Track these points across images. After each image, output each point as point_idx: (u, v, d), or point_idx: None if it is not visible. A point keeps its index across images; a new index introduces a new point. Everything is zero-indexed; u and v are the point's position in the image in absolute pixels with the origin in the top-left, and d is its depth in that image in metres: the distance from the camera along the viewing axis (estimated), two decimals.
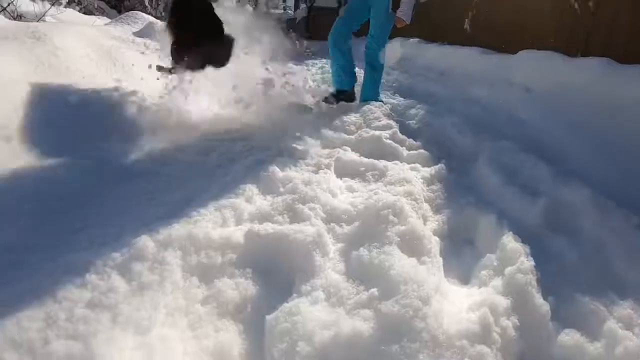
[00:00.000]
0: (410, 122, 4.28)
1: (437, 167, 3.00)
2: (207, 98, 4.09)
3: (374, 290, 1.62)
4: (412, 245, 1.93)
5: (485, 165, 3.06)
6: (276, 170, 2.55)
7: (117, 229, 1.98)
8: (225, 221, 2.07)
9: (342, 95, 4.80)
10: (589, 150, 3.57)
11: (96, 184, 2.48)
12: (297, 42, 5.19)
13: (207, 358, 1.46)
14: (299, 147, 3.15)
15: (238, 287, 1.72)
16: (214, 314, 1.62)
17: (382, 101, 4.86)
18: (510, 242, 1.99)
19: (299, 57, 11.14)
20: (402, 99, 5.48)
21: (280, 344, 1.43)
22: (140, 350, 1.37)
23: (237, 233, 1.93)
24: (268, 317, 1.54)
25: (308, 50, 8.09)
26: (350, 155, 3.12)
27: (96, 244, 1.84)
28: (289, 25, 23.97)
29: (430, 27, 10.38)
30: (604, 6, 4.83)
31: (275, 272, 1.84)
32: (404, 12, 4.48)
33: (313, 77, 7.81)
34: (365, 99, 4.72)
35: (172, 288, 1.61)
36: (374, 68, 4.77)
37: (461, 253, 2.27)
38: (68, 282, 1.48)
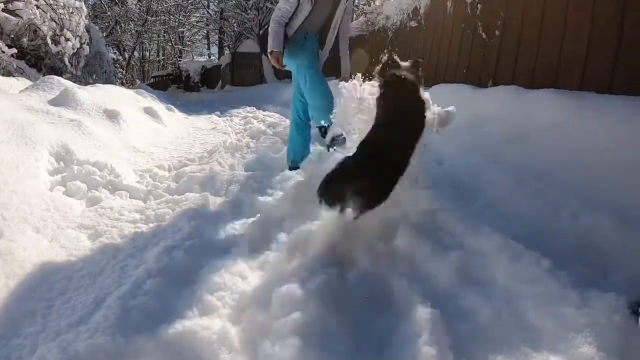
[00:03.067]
0: None
1: None
2: None
3: None
4: None
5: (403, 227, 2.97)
6: None
7: None
8: None
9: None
10: (504, 181, 3.62)
11: None
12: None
13: None
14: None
15: None
16: None
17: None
18: (419, 313, 1.97)
19: (223, 107, 11.07)
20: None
21: None
22: None
23: None
24: None
25: None
26: None
27: None
28: (214, 72, 24.22)
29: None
30: (508, 34, 5.07)
31: None
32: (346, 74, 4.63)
33: (235, 130, 7.70)
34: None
35: None
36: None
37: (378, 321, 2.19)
38: None
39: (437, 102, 5.43)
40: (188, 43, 37.33)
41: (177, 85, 26.56)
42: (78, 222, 3.19)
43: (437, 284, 2.32)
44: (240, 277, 2.42)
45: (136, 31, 32.33)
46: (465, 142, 4.47)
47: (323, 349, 1.81)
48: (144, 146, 5.62)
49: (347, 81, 4.35)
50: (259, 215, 3.29)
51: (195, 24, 32.78)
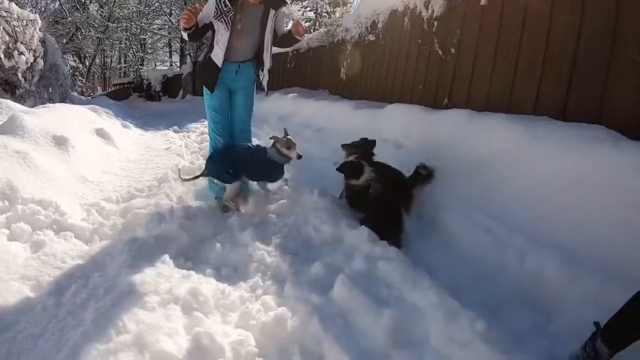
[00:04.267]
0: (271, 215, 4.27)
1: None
2: None
3: None
4: None
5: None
6: None
7: None
8: None
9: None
10: (453, 216, 3.66)
11: None
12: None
13: None
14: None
15: None
16: None
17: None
18: None
19: (182, 120, 10.92)
20: None
21: None
22: None
23: None
24: None
25: None
26: None
27: None
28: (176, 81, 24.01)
29: (309, 79, 10.74)
30: (465, 53, 5.13)
31: None
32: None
33: (190, 149, 7.64)
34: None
35: None
36: (248, 140, 4.81)
37: None
38: None
39: (390, 124, 5.54)
40: (150, 50, 36.98)
41: (138, 94, 26.22)
42: (21, 272, 3.10)
43: (370, 344, 2.31)
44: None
45: (97, 38, 31.74)
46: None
47: None
48: (93, 175, 5.51)
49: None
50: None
51: (156, 31, 32.38)
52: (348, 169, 4.08)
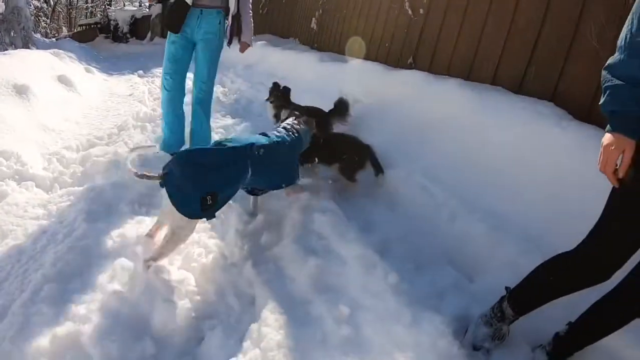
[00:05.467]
0: None
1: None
2: None
3: None
4: None
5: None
6: None
7: None
8: None
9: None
10: (396, 173, 3.95)
11: None
12: None
13: None
14: None
15: None
16: None
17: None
18: (269, 314, 2.33)
19: (148, 63, 10.90)
20: (232, 120, 5.75)
21: None
22: None
23: None
24: None
25: None
26: None
27: None
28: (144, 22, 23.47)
29: (280, 26, 10.77)
30: (433, 15, 5.29)
31: None
32: (248, 38, 4.57)
33: (153, 95, 7.80)
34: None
35: None
36: (207, 112, 4.64)
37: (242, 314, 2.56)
38: None
39: (351, 80, 5.79)
40: None
41: (105, 35, 25.43)
42: None
43: (295, 289, 2.64)
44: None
45: None
46: (369, 127, 4.73)
47: None
48: (54, 123, 5.63)
49: (250, 44, 4.58)
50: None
51: None
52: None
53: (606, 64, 1.86)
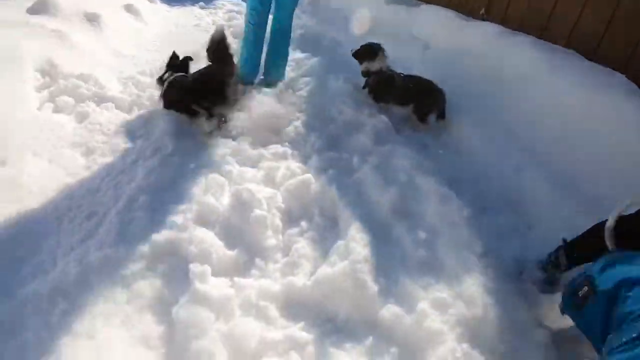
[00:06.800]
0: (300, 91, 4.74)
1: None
2: None
3: None
4: None
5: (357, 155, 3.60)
6: None
7: None
8: None
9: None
10: (467, 122, 4.19)
11: None
12: None
13: None
14: None
15: None
16: None
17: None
18: (355, 233, 2.65)
19: None
20: (302, 54, 5.84)
21: None
22: None
23: None
24: None
25: None
26: None
27: None
28: None
29: None
30: None
31: None
32: None
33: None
34: (276, 80, 4.90)
35: None
36: (287, 44, 4.88)
37: (326, 231, 2.89)
38: None
39: (422, 25, 5.85)
40: None
41: None
42: (71, 140, 3.55)
43: (377, 211, 2.98)
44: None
45: None
46: (442, 74, 4.76)
47: None
48: (126, 49, 5.78)
49: None
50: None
51: None
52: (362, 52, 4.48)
53: None
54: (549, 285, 2.66)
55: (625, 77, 3.56)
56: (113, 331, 2.18)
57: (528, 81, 4.09)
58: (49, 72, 4.34)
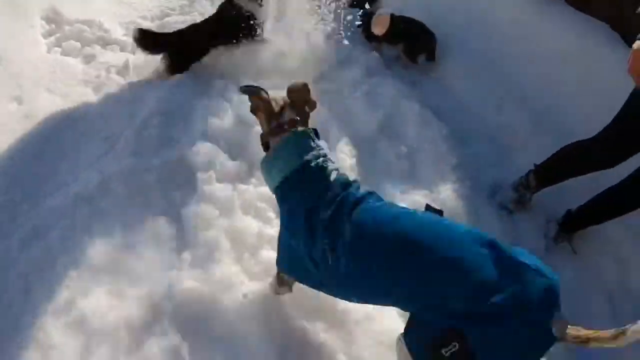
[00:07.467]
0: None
1: None
2: None
3: None
4: None
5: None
6: None
7: None
8: None
9: None
10: (457, 60, 4.39)
11: None
12: None
13: None
14: None
15: None
16: None
17: None
18: (343, 145, 3.04)
19: None
20: None
21: None
22: None
23: None
24: None
25: None
26: None
27: None
28: None
29: None
30: None
31: None
32: None
33: None
34: None
35: None
36: None
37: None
38: None
39: None
40: None
41: None
42: (81, 78, 3.78)
43: (363, 129, 3.33)
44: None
45: None
46: (434, 17, 4.76)
47: None
48: None
49: None
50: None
51: None
52: None
53: None
54: (519, 204, 3.05)
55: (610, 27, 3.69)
56: (129, 234, 2.53)
57: (518, 26, 4.24)
58: (54, 20, 4.49)
